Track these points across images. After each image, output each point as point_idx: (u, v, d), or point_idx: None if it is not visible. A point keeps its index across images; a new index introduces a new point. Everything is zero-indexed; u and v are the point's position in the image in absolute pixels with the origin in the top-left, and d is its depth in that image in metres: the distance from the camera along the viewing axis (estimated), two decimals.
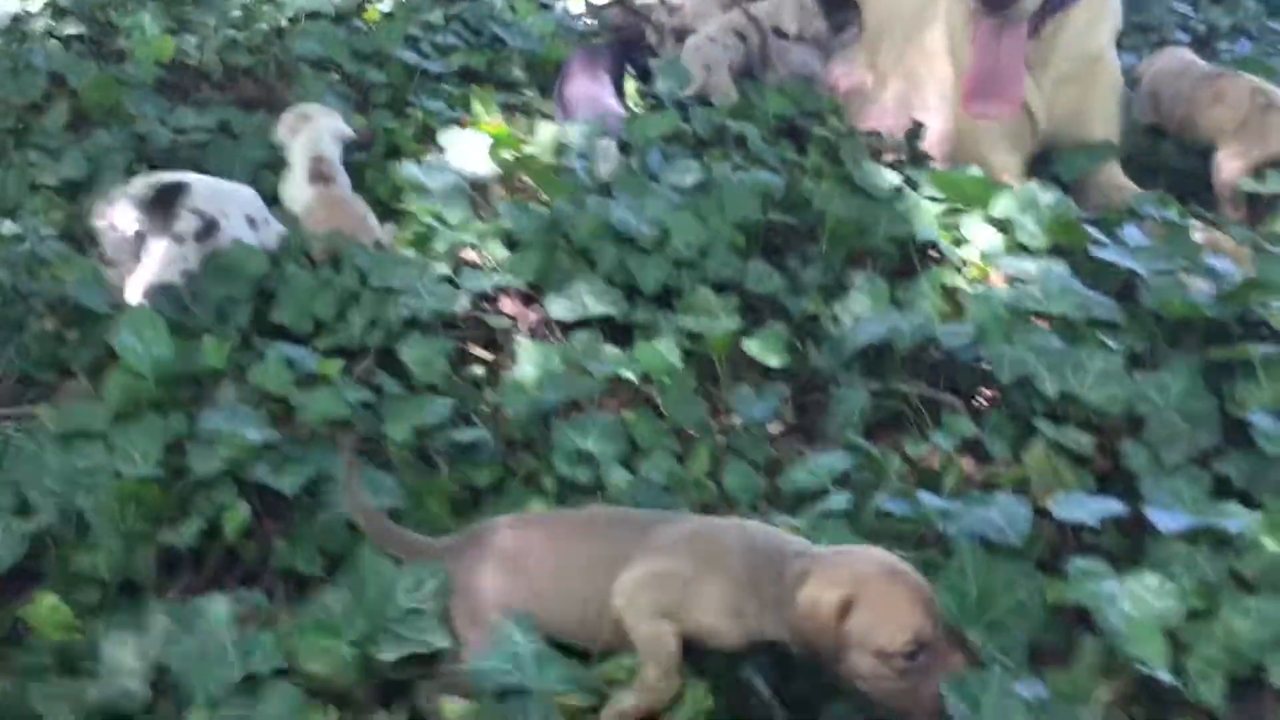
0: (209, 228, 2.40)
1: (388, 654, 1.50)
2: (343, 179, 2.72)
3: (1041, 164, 3.16)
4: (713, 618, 1.46)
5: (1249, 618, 1.62)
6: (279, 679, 1.47)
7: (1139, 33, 4.33)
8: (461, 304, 2.34)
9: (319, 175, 2.68)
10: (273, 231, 2.53)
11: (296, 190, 2.69)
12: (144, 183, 2.41)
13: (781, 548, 1.48)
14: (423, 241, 2.51)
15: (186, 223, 2.39)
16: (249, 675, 1.47)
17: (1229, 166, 2.92)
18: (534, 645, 1.48)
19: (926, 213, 2.51)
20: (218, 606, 1.55)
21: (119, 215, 2.35)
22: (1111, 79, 3.11)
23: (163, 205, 2.40)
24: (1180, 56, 3.24)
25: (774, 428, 2.17)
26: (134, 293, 2.29)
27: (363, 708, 1.51)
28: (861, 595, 1.37)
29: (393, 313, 2.25)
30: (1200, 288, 2.28)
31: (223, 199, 2.47)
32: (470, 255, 2.56)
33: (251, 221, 2.48)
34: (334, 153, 2.75)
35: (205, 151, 3.02)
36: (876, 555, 1.44)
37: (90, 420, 1.93)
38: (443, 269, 2.42)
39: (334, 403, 1.98)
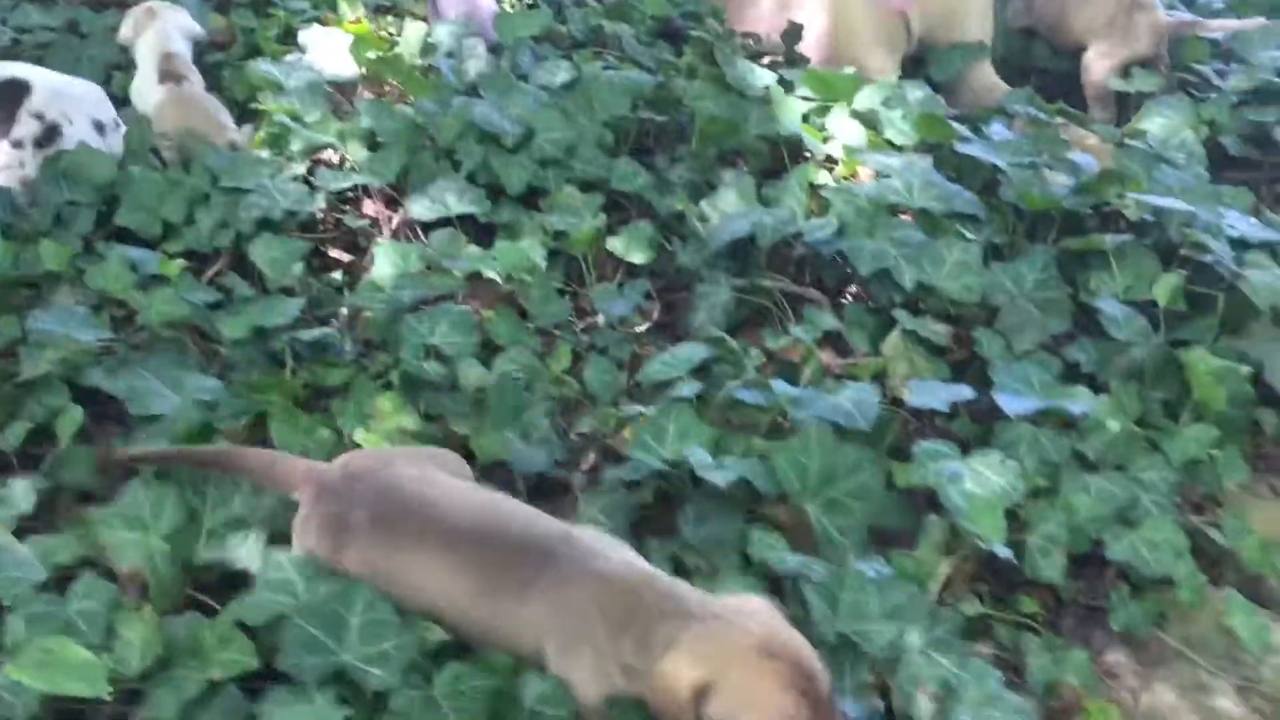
0: (50, 133, 2.29)
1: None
2: (195, 77, 2.60)
3: (916, 66, 3.16)
4: (575, 674, 1.30)
5: (1089, 495, 1.67)
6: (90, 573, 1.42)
7: None
8: (318, 205, 2.26)
9: (169, 74, 2.55)
10: (121, 136, 2.41)
11: (146, 88, 2.56)
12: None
13: (659, 604, 1.27)
14: (278, 141, 2.42)
15: (26, 127, 2.28)
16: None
17: (1097, 66, 2.95)
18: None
19: (794, 110, 2.48)
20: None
21: None
22: None
23: (2, 105, 2.28)
24: None
25: (639, 326, 2.15)
26: None
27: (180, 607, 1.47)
28: (724, 678, 1.18)
29: (244, 214, 2.16)
30: (1061, 181, 2.30)
31: (67, 101, 2.34)
32: (329, 156, 2.47)
33: (99, 126, 2.36)
34: (184, 50, 2.63)
35: (50, 51, 2.87)
36: (756, 624, 1.23)
37: None
38: (298, 169, 2.34)
39: (175, 304, 1.91)
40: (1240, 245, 2.12)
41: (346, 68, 2.85)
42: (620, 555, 1.36)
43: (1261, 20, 2.85)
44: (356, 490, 1.43)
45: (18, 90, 2.28)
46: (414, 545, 1.38)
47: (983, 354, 1.95)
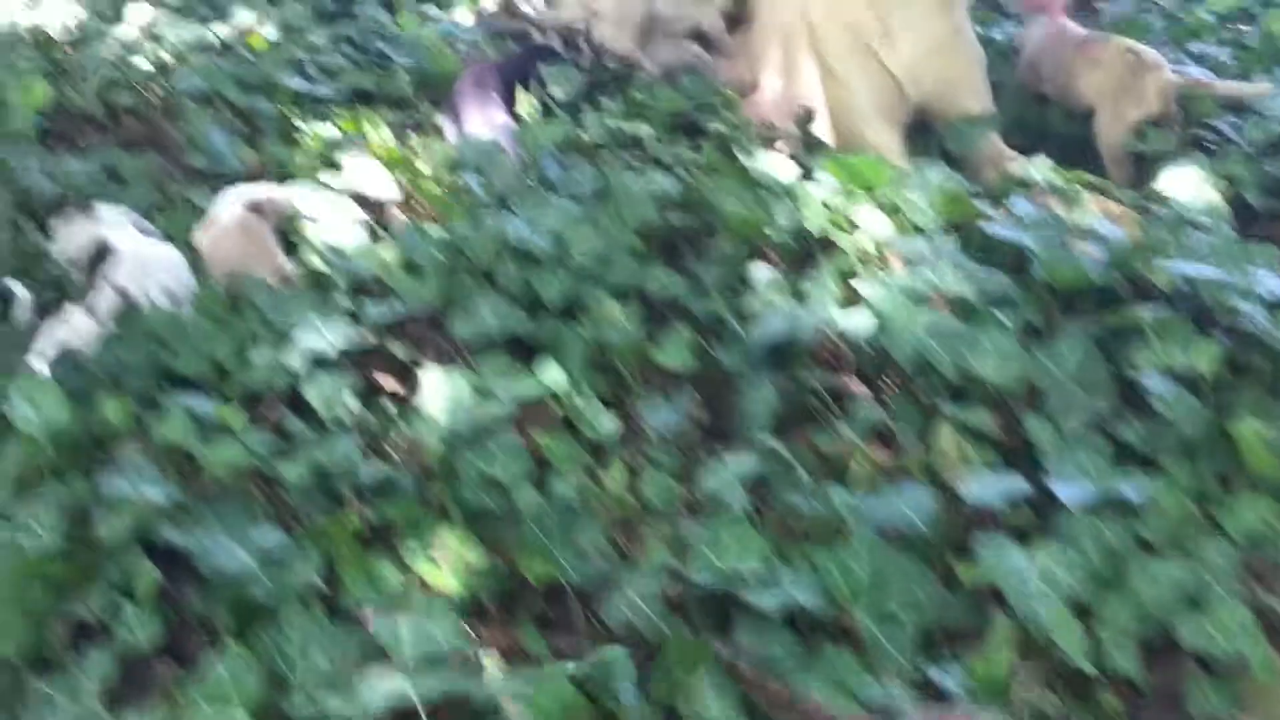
0: (126, 305, 2.36)
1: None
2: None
3: (920, 135, 3.23)
4: None
5: (1155, 582, 1.67)
6: None
7: None
8: (365, 336, 2.31)
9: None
10: (188, 294, 2.49)
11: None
12: (87, 232, 2.42)
13: None
14: (322, 274, 2.48)
15: (105, 298, 2.35)
16: None
17: (1110, 129, 3.00)
18: None
19: (817, 205, 2.53)
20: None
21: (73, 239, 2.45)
22: (974, 51, 3.23)
23: (89, 267, 2.38)
24: (1058, 24, 3.31)
25: (688, 433, 2.18)
26: (39, 360, 2.24)
27: None
28: None
29: (295, 353, 2.22)
30: (1091, 253, 2.33)
31: (147, 271, 2.41)
32: (371, 284, 2.53)
33: (174, 297, 2.43)
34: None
35: (93, 199, 2.95)
36: None
37: None
38: (343, 302, 2.39)
39: (237, 453, 1.96)
40: (1276, 307, 2.14)
41: (381, 190, 2.92)
42: None
43: (1268, 86, 2.88)
44: None
45: (103, 256, 2.37)
46: None
47: (1032, 439, 1.97)
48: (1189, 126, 2.97)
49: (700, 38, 3.73)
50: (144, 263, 2.40)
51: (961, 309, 2.16)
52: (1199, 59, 3.45)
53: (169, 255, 2.49)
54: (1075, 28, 3.25)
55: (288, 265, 2.60)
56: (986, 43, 3.64)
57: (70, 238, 2.53)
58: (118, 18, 4.23)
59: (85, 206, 2.61)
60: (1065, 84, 3.18)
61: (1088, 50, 3.09)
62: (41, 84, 3.47)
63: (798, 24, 3.28)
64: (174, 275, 2.45)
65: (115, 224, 2.51)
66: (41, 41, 4.08)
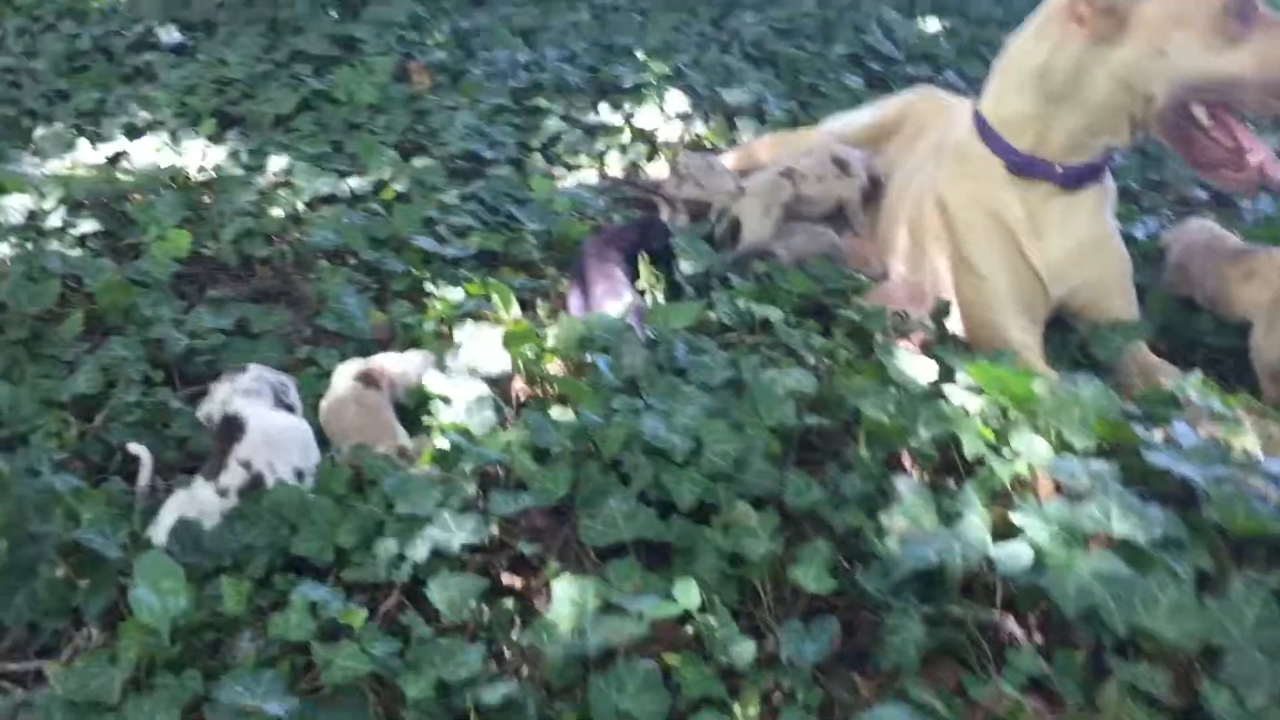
0: (255, 482, 2.34)
1: None
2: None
3: (1059, 331, 3.13)
4: None
5: None
6: None
7: (1155, 190, 4.32)
8: (491, 530, 2.24)
9: (365, 376, 2.64)
10: (314, 469, 2.45)
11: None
12: (220, 402, 2.47)
13: None
14: (448, 459, 2.43)
15: (233, 476, 2.33)
16: None
17: (1266, 346, 2.85)
18: None
19: (966, 418, 2.41)
20: None
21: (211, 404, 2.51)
22: (1121, 252, 3.14)
23: (219, 443, 2.36)
24: (1208, 228, 3.20)
25: (826, 661, 2.05)
26: (160, 533, 2.21)
27: None
28: None
29: (420, 546, 2.15)
30: (1260, 490, 2.18)
31: (275, 448, 2.38)
32: (497, 470, 2.47)
33: (300, 474, 2.40)
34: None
35: (222, 354, 2.97)
36: None
37: (102, 687, 1.82)
38: (469, 490, 2.33)
39: (358, 659, 1.87)
40: None
41: (500, 363, 2.89)
42: None
43: None
44: None
45: (233, 430, 2.35)
46: None
47: (1209, 709, 1.80)
48: None
49: (838, 213, 3.71)
50: (272, 438, 2.37)
51: (1129, 554, 2.02)
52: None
53: (298, 429, 2.46)
54: (1228, 235, 3.14)
55: (407, 441, 2.56)
56: (1128, 240, 3.55)
57: (209, 402, 2.52)
58: (257, 165, 4.34)
59: (235, 370, 2.60)
60: (1216, 292, 3.06)
61: (1244, 262, 2.96)
62: (182, 233, 3.54)
63: (929, 207, 3.23)
64: (302, 450, 2.42)
65: (254, 391, 2.49)
66: (180, 184, 4.20)
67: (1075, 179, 3.01)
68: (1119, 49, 2.77)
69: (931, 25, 5.78)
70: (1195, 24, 2.69)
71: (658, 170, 4.52)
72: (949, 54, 5.43)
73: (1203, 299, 3.12)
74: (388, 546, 2.17)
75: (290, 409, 2.55)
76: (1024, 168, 3.00)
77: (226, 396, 2.49)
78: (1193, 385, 2.67)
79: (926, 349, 3.05)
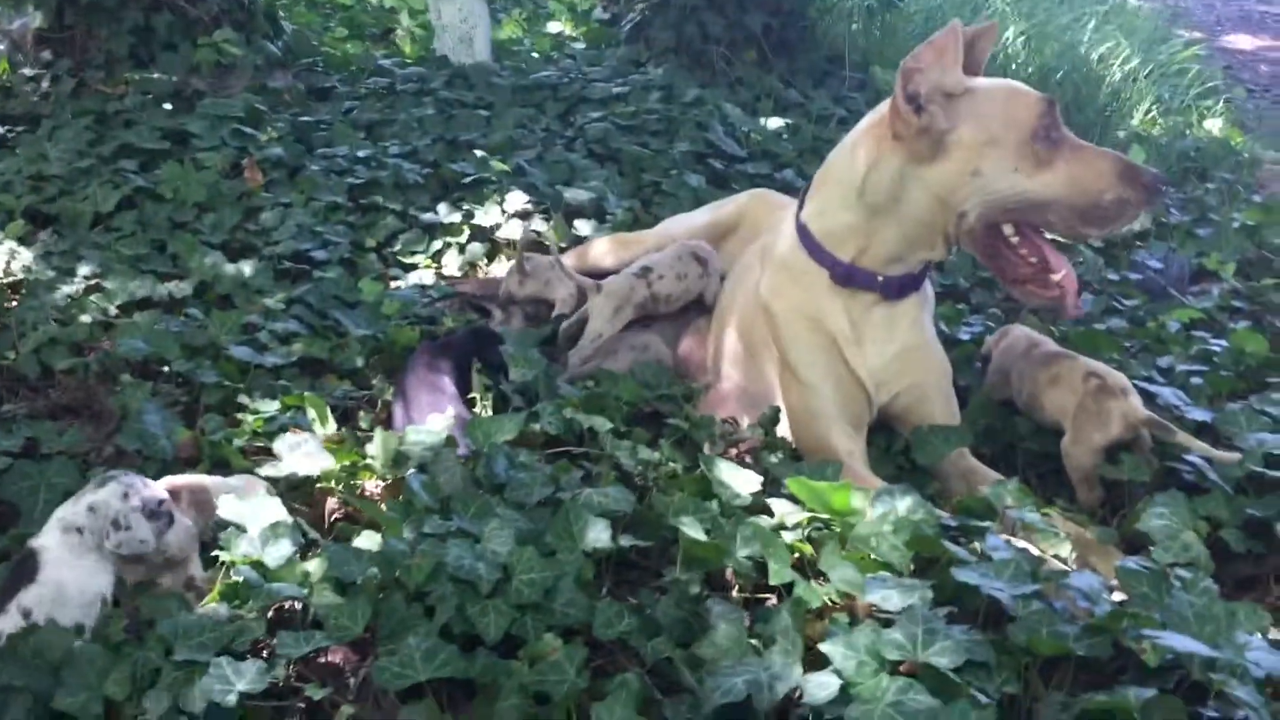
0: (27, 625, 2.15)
1: None
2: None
3: (883, 435, 3.14)
4: None
5: None
6: None
7: (984, 288, 4.40)
8: (277, 675, 2.09)
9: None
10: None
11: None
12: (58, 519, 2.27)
13: None
14: (237, 594, 2.27)
15: (9, 621, 2.15)
16: None
17: (1075, 452, 2.89)
18: None
19: (779, 542, 2.37)
20: None
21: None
22: (941, 361, 3.20)
23: (14, 575, 2.20)
24: (1026, 334, 3.27)
25: None
26: None
27: None
28: None
29: (197, 699, 1.99)
30: (1072, 606, 2.19)
31: (61, 605, 2.18)
32: (292, 604, 2.32)
33: (80, 630, 2.19)
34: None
35: (5, 479, 2.75)
36: None
37: None
38: (257, 631, 2.18)
39: None
40: (1267, 684, 1.99)
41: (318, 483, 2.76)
42: None
43: (1236, 456, 2.79)
44: None
45: (27, 570, 2.20)
46: None
47: None
48: (1165, 456, 2.87)
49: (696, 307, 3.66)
50: (63, 594, 2.19)
51: (934, 680, 1.98)
52: (1168, 373, 3.41)
53: (92, 588, 2.24)
54: (1045, 341, 3.20)
55: (200, 573, 2.40)
56: (952, 343, 3.61)
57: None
58: (68, 268, 4.13)
59: (102, 479, 2.34)
60: (1029, 399, 3.11)
61: (1051, 368, 3.02)
62: None
63: (757, 313, 3.23)
64: (95, 594, 2.23)
65: (74, 527, 2.27)
66: None
67: (897, 289, 3.04)
68: (935, 168, 2.82)
69: (774, 123, 5.88)
70: (1007, 147, 2.76)
71: (497, 270, 4.45)
72: (789, 152, 5.53)
73: (1020, 403, 3.16)
74: (160, 699, 2.00)
75: (169, 523, 2.33)
76: (848, 278, 3.03)
77: (59, 518, 2.29)
78: (1009, 492, 2.69)
79: (755, 456, 3.03)
